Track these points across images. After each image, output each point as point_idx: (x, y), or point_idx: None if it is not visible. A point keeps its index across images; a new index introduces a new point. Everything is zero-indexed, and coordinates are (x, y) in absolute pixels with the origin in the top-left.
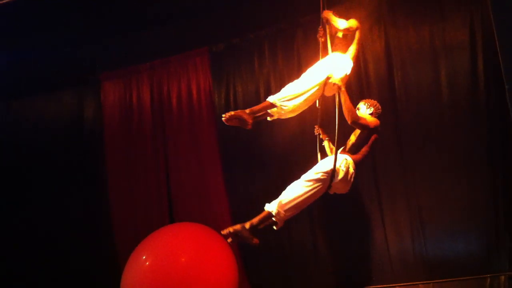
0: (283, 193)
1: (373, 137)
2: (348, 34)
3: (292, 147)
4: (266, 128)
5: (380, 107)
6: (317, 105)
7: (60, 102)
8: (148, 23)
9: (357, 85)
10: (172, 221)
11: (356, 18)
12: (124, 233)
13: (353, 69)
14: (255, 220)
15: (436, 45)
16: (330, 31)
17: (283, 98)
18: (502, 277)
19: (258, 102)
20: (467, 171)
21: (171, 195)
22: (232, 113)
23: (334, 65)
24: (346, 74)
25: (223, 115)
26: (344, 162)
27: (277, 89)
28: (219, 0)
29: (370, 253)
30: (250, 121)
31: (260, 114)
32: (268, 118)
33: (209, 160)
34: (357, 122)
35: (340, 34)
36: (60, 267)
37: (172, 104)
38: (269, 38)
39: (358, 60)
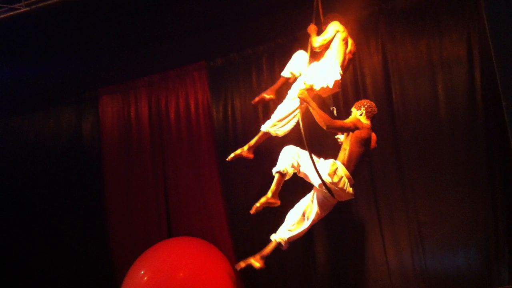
0: (288, 224)
1: (353, 136)
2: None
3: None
4: (265, 142)
5: (372, 105)
6: (334, 113)
7: (58, 117)
8: (147, 38)
9: (355, 100)
10: (170, 235)
11: (353, 32)
12: (122, 248)
13: (350, 80)
14: (267, 251)
15: (434, 60)
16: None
17: (275, 125)
18: None
19: (256, 116)
20: (466, 185)
21: (169, 209)
22: (233, 155)
23: (314, 76)
24: (325, 86)
25: (228, 159)
26: (328, 168)
27: (275, 104)
28: (217, 15)
29: (369, 268)
30: (251, 155)
31: (258, 144)
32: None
33: (207, 174)
34: (332, 126)
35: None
36: (58, 283)
37: (170, 118)
38: (267, 53)
39: (355, 74)
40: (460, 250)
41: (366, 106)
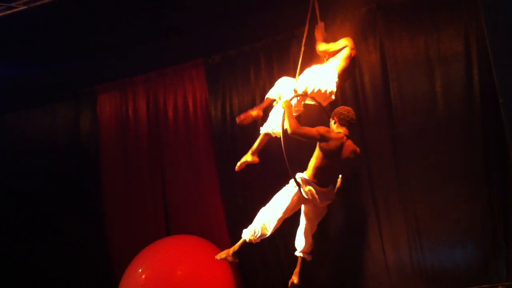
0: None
1: (320, 147)
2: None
3: (290, 158)
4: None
5: (344, 111)
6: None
7: (56, 114)
8: (144, 35)
9: (353, 97)
10: (168, 233)
11: (351, 29)
12: (120, 246)
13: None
14: (298, 268)
15: (431, 56)
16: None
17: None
18: None
19: None
20: (463, 181)
21: (167, 208)
22: (239, 164)
23: (311, 78)
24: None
25: (236, 169)
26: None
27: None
28: (214, 12)
29: (367, 264)
30: (257, 159)
31: (261, 147)
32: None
33: (205, 172)
34: (297, 132)
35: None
36: (55, 281)
37: (168, 115)
38: (265, 50)
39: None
40: (458, 245)
41: (338, 114)
